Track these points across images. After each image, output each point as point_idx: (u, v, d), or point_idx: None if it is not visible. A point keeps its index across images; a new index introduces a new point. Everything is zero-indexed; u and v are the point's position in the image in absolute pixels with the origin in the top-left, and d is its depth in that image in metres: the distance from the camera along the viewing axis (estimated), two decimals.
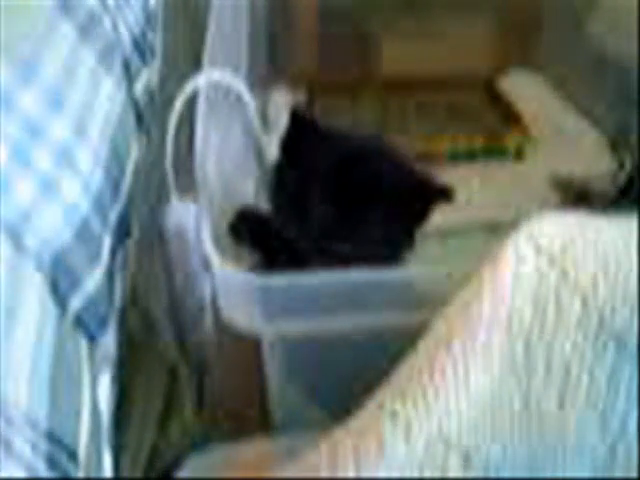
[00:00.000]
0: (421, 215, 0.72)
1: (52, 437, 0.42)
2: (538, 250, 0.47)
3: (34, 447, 0.40)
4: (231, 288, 0.56)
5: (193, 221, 0.62)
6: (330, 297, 0.56)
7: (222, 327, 0.58)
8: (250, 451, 0.60)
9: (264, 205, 0.74)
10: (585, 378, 0.46)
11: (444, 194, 0.71)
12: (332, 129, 0.74)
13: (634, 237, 0.47)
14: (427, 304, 0.53)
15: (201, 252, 0.58)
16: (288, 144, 0.72)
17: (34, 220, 0.47)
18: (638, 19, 0.92)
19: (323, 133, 0.72)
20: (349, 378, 0.57)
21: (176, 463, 0.60)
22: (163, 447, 0.64)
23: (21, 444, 0.39)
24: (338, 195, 0.68)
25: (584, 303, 0.46)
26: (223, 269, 0.55)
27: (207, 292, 0.63)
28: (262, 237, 0.67)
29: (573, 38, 1.13)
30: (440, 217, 0.99)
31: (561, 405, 0.46)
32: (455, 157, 1.11)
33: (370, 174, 0.69)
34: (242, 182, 0.77)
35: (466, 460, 0.46)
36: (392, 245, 0.72)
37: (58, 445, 0.42)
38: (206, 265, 0.58)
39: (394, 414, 0.46)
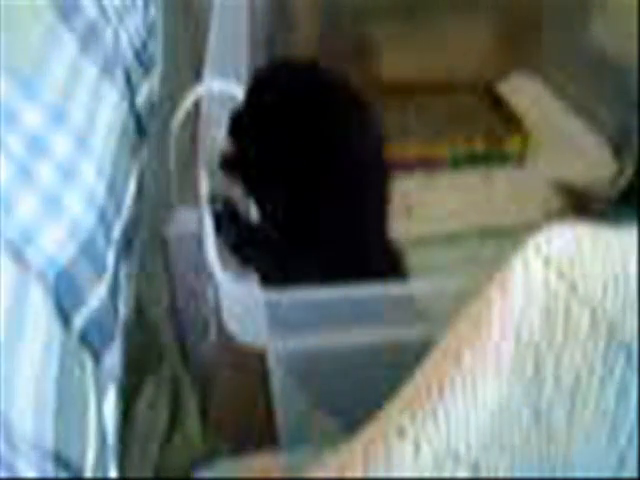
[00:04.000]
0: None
1: (59, 459, 0.41)
2: (547, 262, 0.47)
3: (40, 470, 0.39)
4: (236, 302, 0.55)
5: (195, 230, 0.62)
6: (336, 311, 0.56)
7: (226, 340, 0.57)
8: (256, 465, 0.60)
9: None
10: (594, 390, 0.46)
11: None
12: None
13: None
14: (432, 317, 0.52)
15: (204, 262, 0.58)
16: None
17: (37, 237, 0.46)
18: (638, 19, 0.92)
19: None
20: (355, 392, 0.57)
21: (182, 478, 0.60)
22: (168, 461, 0.64)
23: (25, 467, 0.38)
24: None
25: (593, 315, 0.45)
26: (227, 283, 0.55)
27: (211, 303, 0.63)
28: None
29: (574, 41, 1.13)
30: (443, 223, 1.00)
31: (570, 417, 0.46)
32: (456, 162, 1.11)
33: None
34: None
35: (475, 473, 0.46)
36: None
37: (65, 466, 0.42)
38: (210, 276, 0.58)
39: (402, 430, 0.45)
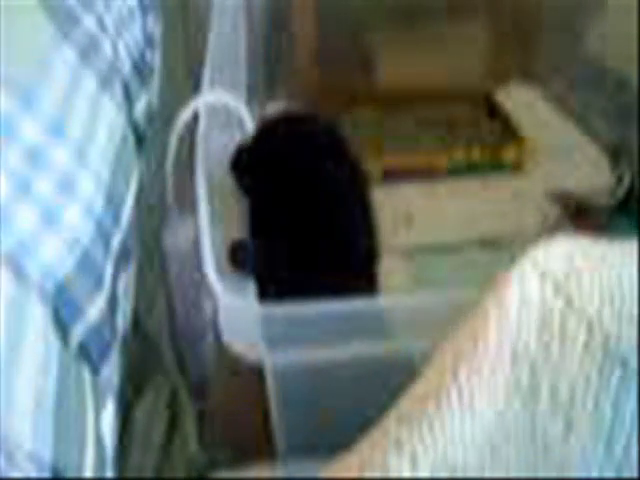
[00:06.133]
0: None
1: (56, 471, 0.41)
2: (543, 277, 0.47)
3: None
4: (234, 317, 0.55)
5: (193, 242, 0.62)
6: (332, 325, 0.56)
7: (224, 353, 0.58)
8: (253, 478, 0.60)
9: None
10: (590, 404, 0.46)
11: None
12: None
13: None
14: (429, 330, 0.52)
15: (201, 274, 0.58)
16: None
17: (36, 250, 0.46)
18: (638, 21, 0.92)
19: None
20: (352, 405, 0.57)
21: None
22: (166, 472, 0.64)
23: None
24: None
25: (589, 329, 0.46)
26: (225, 295, 0.55)
27: (208, 316, 0.63)
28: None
29: (571, 50, 1.13)
30: (440, 232, 1.00)
31: (566, 431, 0.46)
32: (455, 171, 1.11)
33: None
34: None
35: None
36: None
37: (62, 479, 0.42)
38: (207, 289, 0.58)
39: (399, 442, 0.46)
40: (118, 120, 0.60)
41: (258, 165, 0.70)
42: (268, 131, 0.73)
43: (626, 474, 0.46)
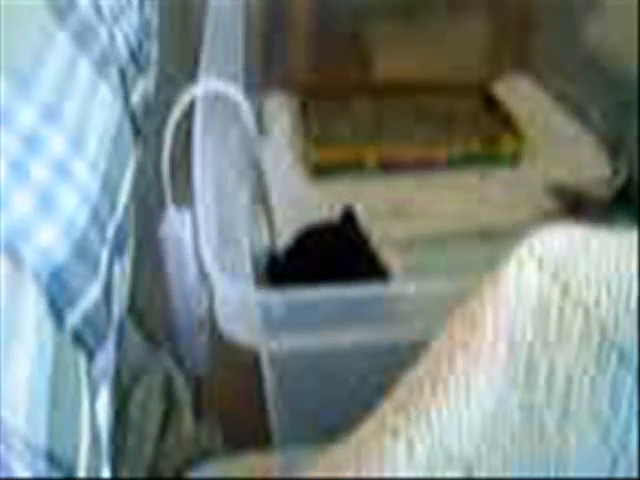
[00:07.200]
0: None
1: (51, 458, 0.41)
2: (540, 264, 0.47)
3: (33, 469, 0.39)
4: (231, 302, 0.55)
5: (189, 230, 0.62)
6: (330, 311, 0.56)
7: (221, 340, 0.57)
8: (249, 465, 0.60)
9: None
10: (587, 391, 0.46)
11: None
12: None
13: (636, 249, 0.47)
14: (426, 318, 0.52)
15: (198, 262, 0.58)
16: None
17: (31, 235, 0.46)
18: (638, 20, 0.92)
19: None
20: (350, 393, 0.57)
21: (175, 477, 0.60)
22: (161, 461, 0.64)
23: (22, 469, 0.39)
24: None
25: (586, 317, 0.46)
26: (222, 282, 0.55)
27: (204, 303, 0.63)
28: None
29: (570, 43, 1.13)
30: (438, 224, 1.00)
31: (563, 418, 0.46)
32: (453, 163, 1.11)
33: None
34: (238, 190, 0.77)
35: (468, 473, 0.46)
36: None
37: (57, 466, 0.42)
38: (204, 276, 0.58)
39: (395, 430, 0.45)
40: (114, 107, 0.60)
41: (294, 277, 0.73)
42: (303, 242, 0.81)
43: (622, 464, 0.46)
